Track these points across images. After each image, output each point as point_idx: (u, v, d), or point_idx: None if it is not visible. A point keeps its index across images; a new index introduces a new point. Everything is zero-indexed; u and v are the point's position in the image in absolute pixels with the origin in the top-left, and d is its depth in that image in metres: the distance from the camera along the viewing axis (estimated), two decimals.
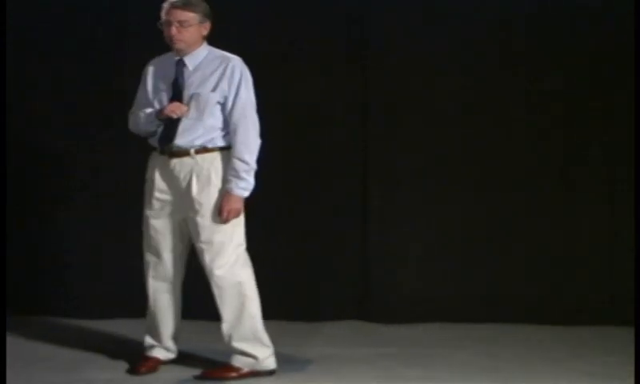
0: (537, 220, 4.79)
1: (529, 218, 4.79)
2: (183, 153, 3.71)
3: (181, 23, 3.68)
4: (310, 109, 4.80)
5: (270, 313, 4.75)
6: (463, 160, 4.82)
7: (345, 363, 3.97)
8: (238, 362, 3.80)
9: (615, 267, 4.72)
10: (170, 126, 3.71)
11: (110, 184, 4.76)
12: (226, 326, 3.78)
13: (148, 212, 3.82)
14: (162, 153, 3.75)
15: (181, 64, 3.75)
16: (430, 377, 3.78)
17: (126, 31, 4.74)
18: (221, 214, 3.69)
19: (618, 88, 4.70)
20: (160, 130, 3.74)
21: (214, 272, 3.74)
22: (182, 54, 3.74)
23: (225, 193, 3.70)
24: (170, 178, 3.75)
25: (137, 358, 3.90)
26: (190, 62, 3.75)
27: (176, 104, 3.69)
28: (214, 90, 3.72)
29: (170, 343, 3.92)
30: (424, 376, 3.79)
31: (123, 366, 3.88)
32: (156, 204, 3.78)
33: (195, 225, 3.74)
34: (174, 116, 3.68)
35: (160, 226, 3.80)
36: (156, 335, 3.89)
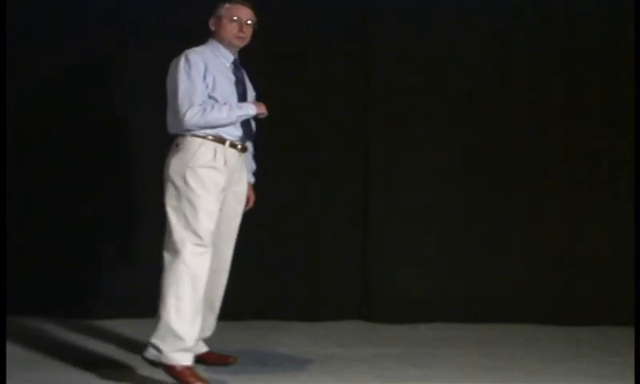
0: (537, 221, 4.79)
1: (529, 219, 4.79)
2: (246, 148, 3.84)
3: (248, 23, 3.77)
4: (310, 108, 4.81)
5: (270, 313, 4.79)
6: (463, 160, 4.83)
7: (345, 363, 3.97)
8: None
9: (616, 268, 4.73)
10: (249, 122, 3.79)
11: (111, 183, 4.77)
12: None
13: (213, 202, 3.63)
14: (240, 149, 3.75)
15: (237, 63, 3.82)
16: (430, 377, 3.78)
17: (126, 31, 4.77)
18: (248, 204, 3.93)
19: (619, 90, 4.71)
20: (239, 125, 3.73)
21: (229, 254, 3.86)
22: (234, 53, 3.80)
23: (250, 185, 3.95)
24: (234, 171, 3.76)
25: (136, 359, 3.83)
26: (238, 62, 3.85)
27: (261, 104, 3.80)
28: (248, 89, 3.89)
29: None
30: (424, 376, 3.79)
31: (124, 366, 3.87)
32: (221, 195, 3.68)
33: (236, 214, 3.84)
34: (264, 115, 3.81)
35: (217, 218, 3.67)
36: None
